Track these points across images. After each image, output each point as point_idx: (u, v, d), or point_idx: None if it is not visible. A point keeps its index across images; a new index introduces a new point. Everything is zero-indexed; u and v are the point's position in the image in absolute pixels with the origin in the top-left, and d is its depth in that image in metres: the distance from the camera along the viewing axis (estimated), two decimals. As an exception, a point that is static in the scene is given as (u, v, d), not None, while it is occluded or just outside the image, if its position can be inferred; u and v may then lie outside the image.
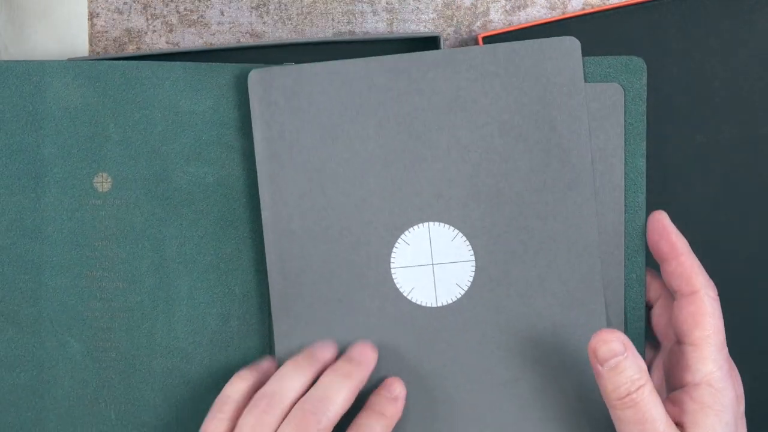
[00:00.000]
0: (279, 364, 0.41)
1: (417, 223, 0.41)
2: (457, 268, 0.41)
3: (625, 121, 0.42)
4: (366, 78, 0.41)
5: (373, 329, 0.41)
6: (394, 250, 0.41)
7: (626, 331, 0.42)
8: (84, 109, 0.42)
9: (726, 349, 0.38)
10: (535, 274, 0.41)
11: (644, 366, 0.37)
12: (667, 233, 0.40)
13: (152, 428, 0.42)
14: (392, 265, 0.41)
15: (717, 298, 0.39)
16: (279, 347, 0.41)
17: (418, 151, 0.41)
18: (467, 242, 0.41)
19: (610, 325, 0.42)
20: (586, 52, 0.45)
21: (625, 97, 0.42)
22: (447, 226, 0.41)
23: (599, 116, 0.42)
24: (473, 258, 0.41)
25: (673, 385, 0.39)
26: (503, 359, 0.41)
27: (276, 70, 0.41)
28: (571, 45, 0.41)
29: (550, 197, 0.41)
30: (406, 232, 0.41)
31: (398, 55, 0.41)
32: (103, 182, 0.43)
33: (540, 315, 0.41)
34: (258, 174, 0.41)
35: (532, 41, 0.41)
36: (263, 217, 0.41)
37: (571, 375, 0.41)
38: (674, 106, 0.45)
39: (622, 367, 0.36)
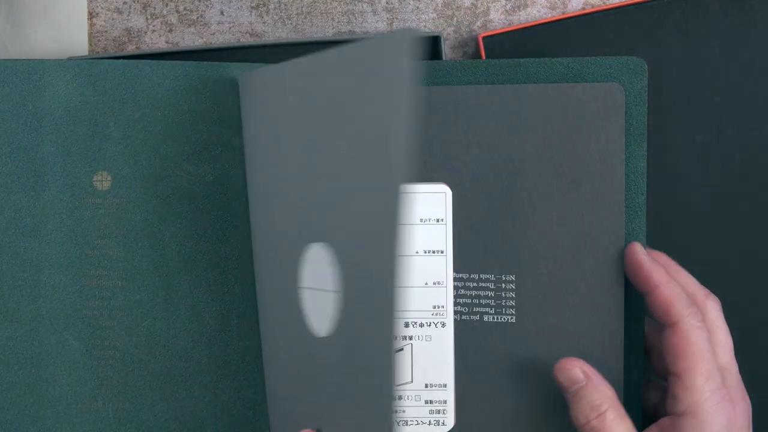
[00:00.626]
0: (264, 364, 0.42)
1: (313, 240, 0.38)
2: (331, 297, 0.38)
3: (625, 122, 0.42)
4: (289, 82, 0.39)
5: (294, 346, 0.40)
6: (301, 268, 0.39)
7: (625, 332, 0.42)
8: (84, 107, 0.42)
9: (718, 377, 0.37)
10: (365, 317, 0.36)
11: (609, 393, 0.38)
12: (639, 266, 0.40)
13: (151, 427, 0.42)
14: (300, 285, 0.39)
15: (701, 325, 0.38)
16: (262, 345, 0.42)
17: (313, 162, 0.38)
18: (340, 269, 0.37)
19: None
20: (586, 52, 0.45)
21: (625, 97, 0.42)
22: (329, 248, 0.38)
23: (599, 117, 0.42)
24: (339, 288, 0.37)
25: (664, 412, 0.39)
26: (348, 407, 0.37)
27: (252, 74, 0.41)
28: (403, 39, 0.33)
29: (376, 226, 0.35)
30: (307, 250, 0.39)
31: (309, 56, 0.38)
32: (102, 181, 0.43)
33: (360, 365, 0.36)
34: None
35: (374, 37, 0.35)
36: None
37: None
38: (674, 106, 0.45)
39: (582, 394, 0.38)
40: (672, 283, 0.39)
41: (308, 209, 0.39)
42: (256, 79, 0.41)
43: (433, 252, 0.42)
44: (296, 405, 0.41)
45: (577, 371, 0.39)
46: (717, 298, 0.40)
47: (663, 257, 0.42)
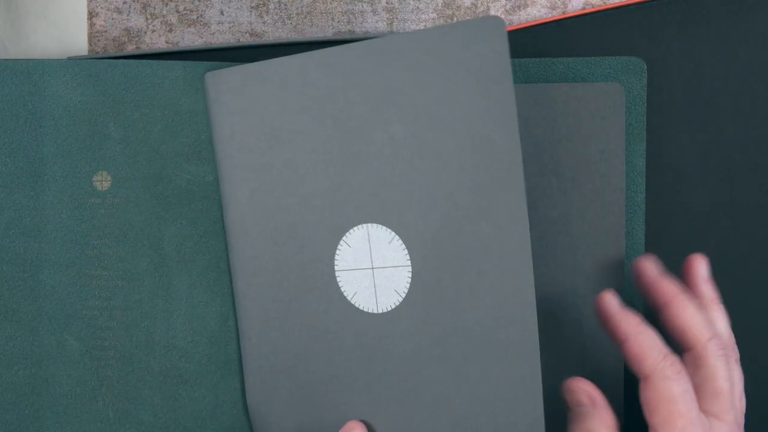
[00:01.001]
0: (245, 363, 0.41)
1: (357, 224, 0.39)
2: (395, 273, 0.39)
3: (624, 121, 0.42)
4: (301, 74, 0.39)
5: (320, 333, 0.40)
6: (337, 252, 0.40)
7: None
8: (83, 107, 0.42)
9: (697, 430, 0.36)
10: (467, 284, 0.38)
11: (610, 422, 0.37)
12: (608, 317, 0.38)
13: (150, 427, 0.42)
14: (336, 268, 0.40)
15: (677, 377, 0.36)
16: (243, 345, 0.41)
17: (354, 148, 0.39)
18: (404, 246, 0.39)
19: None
20: (586, 52, 0.45)
21: (625, 97, 0.42)
22: (384, 228, 0.39)
23: (600, 116, 0.42)
24: (410, 263, 0.39)
25: None
26: (435, 376, 0.39)
27: (226, 71, 0.41)
28: (496, 25, 0.36)
29: (479, 198, 0.37)
30: (348, 234, 0.39)
31: (332, 48, 0.39)
32: (102, 181, 0.43)
33: (471, 330, 0.38)
34: (218, 175, 0.41)
35: (456, 24, 0.37)
36: (223, 216, 0.41)
37: (500, 399, 0.39)
38: (674, 106, 0.45)
39: (582, 418, 0.37)
40: (644, 334, 0.37)
41: (340, 195, 0.39)
42: (235, 76, 0.41)
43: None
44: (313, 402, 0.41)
45: (583, 396, 0.38)
46: (721, 340, 0.38)
47: (694, 270, 0.40)
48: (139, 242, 0.42)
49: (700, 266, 0.41)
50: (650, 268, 0.39)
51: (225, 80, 0.41)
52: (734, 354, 0.39)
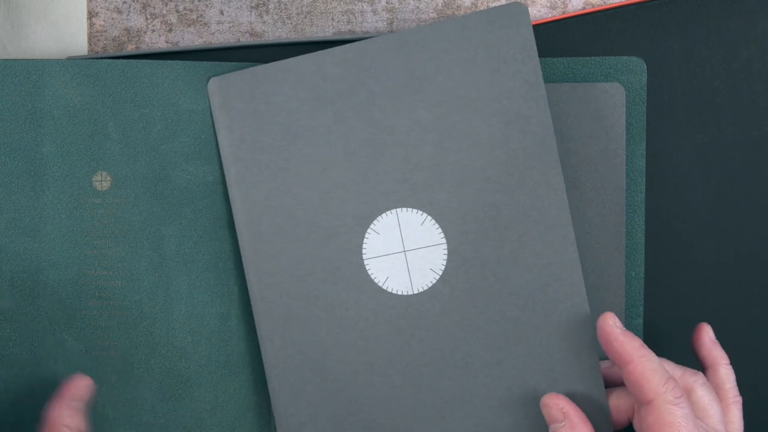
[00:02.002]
0: (268, 367, 0.41)
1: (384, 211, 0.41)
2: (430, 252, 0.41)
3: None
4: (318, 72, 0.41)
5: (352, 323, 0.41)
6: (365, 240, 0.41)
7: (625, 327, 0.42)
8: (83, 107, 0.42)
9: None
10: (508, 251, 0.40)
11: None
12: (611, 339, 0.38)
13: (150, 427, 0.42)
14: (364, 257, 0.41)
15: (679, 401, 0.36)
16: (265, 349, 0.41)
17: (378, 138, 0.41)
18: (437, 225, 0.40)
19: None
20: (586, 52, 0.45)
21: (625, 97, 0.42)
22: (415, 210, 0.41)
23: (600, 116, 0.42)
24: (444, 241, 0.40)
25: None
26: (484, 342, 0.40)
27: (232, 76, 0.41)
28: (518, 10, 0.40)
29: (514, 169, 0.40)
30: (375, 222, 0.41)
31: (347, 45, 0.41)
32: (102, 181, 0.43)
33: (517, 293, 0.40)
34: (226, 179, 0.42)
35: (478, 12, 0.40)
36: (235, 220, 0.42)
37: (554, 352, 0.40)
38: (674, 106, 0.45)
39: None
40: (646, 358, 0.37)
41: (366, 185, 0.41)
42: (244, 80, 0.41)
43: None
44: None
45: (556, 412, 0.38)
46: (696, 371, 0.39)
47: (703, 337, 0.41)
48: (138, 242, 0.42)
49: (708, 332, 0.41)
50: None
51: (232, 84, 0.41)
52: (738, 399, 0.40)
